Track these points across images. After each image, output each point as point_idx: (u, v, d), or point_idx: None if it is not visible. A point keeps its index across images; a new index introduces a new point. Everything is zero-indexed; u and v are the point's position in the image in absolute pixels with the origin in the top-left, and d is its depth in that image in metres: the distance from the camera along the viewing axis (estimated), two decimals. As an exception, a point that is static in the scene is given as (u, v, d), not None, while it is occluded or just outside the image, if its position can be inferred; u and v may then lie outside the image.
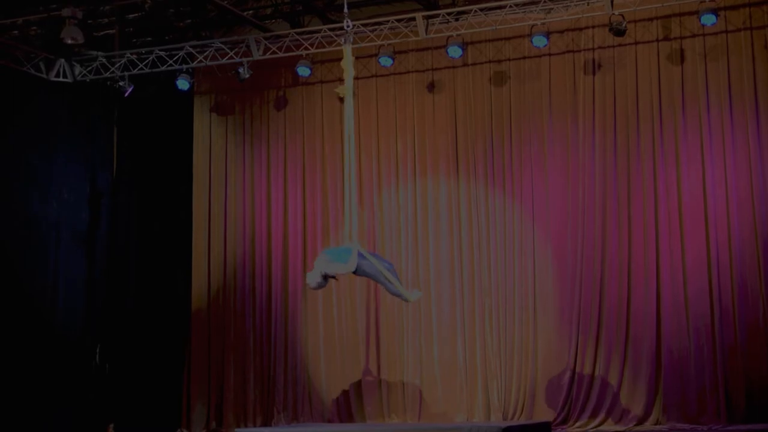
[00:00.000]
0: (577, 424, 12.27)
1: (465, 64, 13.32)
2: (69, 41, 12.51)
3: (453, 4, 13.12)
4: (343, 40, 10.62)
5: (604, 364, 12.34)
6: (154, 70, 13.64)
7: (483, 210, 13.15)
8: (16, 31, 13.44)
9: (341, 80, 10.89)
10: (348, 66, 10.45)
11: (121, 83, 13.76)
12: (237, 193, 14.36)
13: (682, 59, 12.38)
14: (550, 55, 12.92)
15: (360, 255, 9.95)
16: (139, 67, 13.66)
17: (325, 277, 10.06)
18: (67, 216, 13.92)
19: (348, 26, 10.53)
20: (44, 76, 13.62)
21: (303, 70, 13.39)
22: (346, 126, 10.55)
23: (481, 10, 12.54)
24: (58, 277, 13.72)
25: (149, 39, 14.27)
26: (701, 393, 11.89)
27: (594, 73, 12.76)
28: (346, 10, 10.79)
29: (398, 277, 10.30)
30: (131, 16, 13.81)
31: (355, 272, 10.02)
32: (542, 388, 12.61)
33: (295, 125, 14.21)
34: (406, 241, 13.45)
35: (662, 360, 12.12)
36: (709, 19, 11.74)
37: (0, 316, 12.76)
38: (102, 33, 13.97)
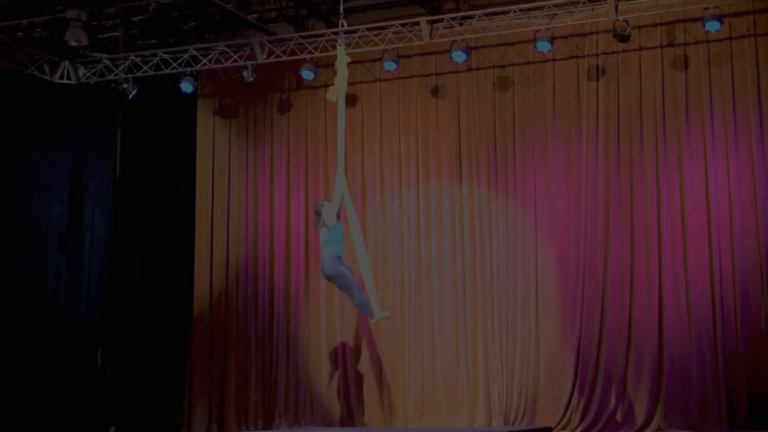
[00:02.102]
0: (579, 429, 12.25)
1: (469, 69, 13.32)
2: (73, 43, 12.53)
3: (457, 9, 13.12)
4: (337, 42, 10.68)
5: (605, 370, 12.34)
6: (158, 72, 13.65)
7: (486, 214, 13.16)
8: (20, 33, 13.46)
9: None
10: (341, 67, 10.47)
11: (124, 85, 13.75)
12: (240, 195, 14.38)
13: (686, 65, 12.39)
14: (554, 60, 12.93)
15: (338, 260, 10.51)
16: (143, 69, 13.66)
17: (318, 213, 10.65)
18: (69, 217, 13.90)
19: (342, 28, 10.60)
20: (48, 77, 13.61)
21: (307, 74, 13.40)
22: (339, 127, 10.62)
23: (486, 15, 12.54)
24: (59, 278, 13.70)
25: (153, 41, 14.29)
26: (703, 399, 11.88)
27: (598, 79, 12.76)
28: (341, 11, 10.84)
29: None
30: (135, 18, 13.80)
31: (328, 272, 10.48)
32: (544, 392, 12.61)
33: (298, 129, 14.22)
34: (409, 244, 13.44)
35: (664, 366, 12.12)
36: (713, 26, 11.73)
37: (1, 317, 12.75)
38: (106, 35, 13.98)
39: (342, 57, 10.43)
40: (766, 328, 11.71)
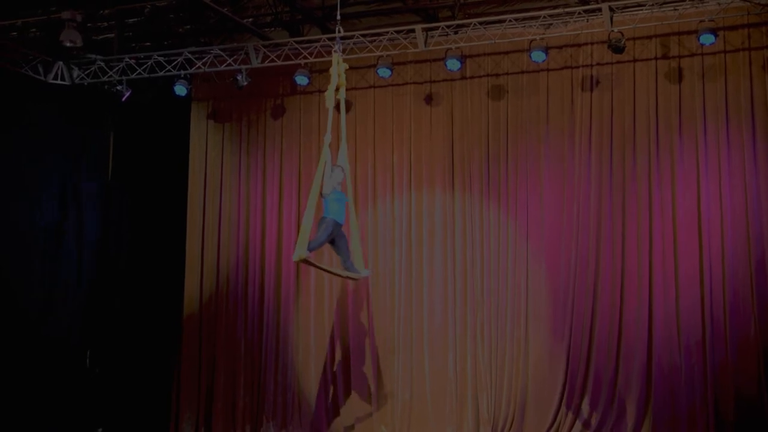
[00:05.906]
0: (567, 439, 12.29)
1: (463, 77, 13.33)
2: (67, 44, 12.48)
3: (452, 17, 13.11)
4: (335, 48, 10.68)
5: (594, 379, 12.36)
6: (152, 75, 13.64)
7: (477, 224, 13.16)
8: (15, 33, 13.41)
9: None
10: (334, 74, 10.47)
11: (118, 87, 13.79)
12: (232, 200, 14.36)
13: (680, 78, 12.41)
14: (548, 70, 12.94)
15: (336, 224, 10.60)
16: (137, 71, 13.66)
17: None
18: (60, 219, 13.88)
19: (338, 33, 10.60)
20: (42, 78, 13.60)
21: (301, 79, 13.39)
22: (342, 133, 10.60)
23: (481, 23, 12.55)
24: (48, 282, 13.67)
25: (148, 44, 14.27)
26: (691, 409, 11.91)
27: (592, 90, 12.77)
28: (338, 16, 10.84)
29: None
30: (131, 20, 13.77)
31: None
32: (532, 401, 12.62)
33: (291, 134, 14.21)
34: (400, 252, 13.43)
35: (653, 375, 12.15)
36: (707, 39, 11.77)
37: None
38: (101, 37, 13.93)
39: (335, 64, 10.43)
40: (754, 338, 11.74)
